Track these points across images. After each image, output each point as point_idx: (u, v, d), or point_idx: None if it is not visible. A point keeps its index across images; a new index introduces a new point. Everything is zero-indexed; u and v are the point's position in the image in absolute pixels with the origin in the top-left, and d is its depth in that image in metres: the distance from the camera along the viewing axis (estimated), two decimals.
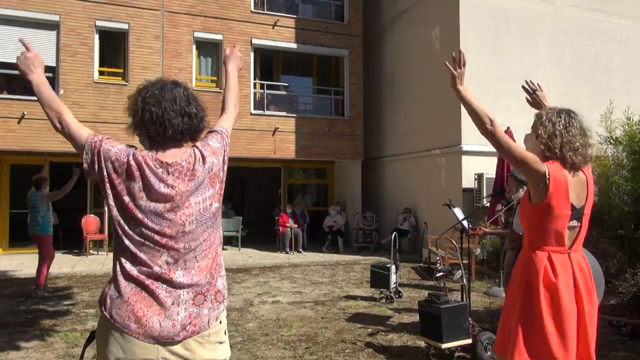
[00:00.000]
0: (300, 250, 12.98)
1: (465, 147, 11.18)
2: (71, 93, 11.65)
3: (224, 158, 1.99)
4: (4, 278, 8.89)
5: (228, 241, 13.65)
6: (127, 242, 1.80)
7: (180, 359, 1.79)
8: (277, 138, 13.42)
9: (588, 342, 2.23)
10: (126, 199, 1.80)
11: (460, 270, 6.84)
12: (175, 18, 12.58)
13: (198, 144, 1.96)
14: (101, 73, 12.22)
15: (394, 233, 7.59)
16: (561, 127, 2.33)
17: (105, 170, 1.81)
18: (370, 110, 15.09)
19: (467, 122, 10.55)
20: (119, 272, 1.80)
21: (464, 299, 5.12)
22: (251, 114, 13.22)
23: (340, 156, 14.37)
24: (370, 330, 5.71)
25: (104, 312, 1.78)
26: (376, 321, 6.13)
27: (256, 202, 18.66)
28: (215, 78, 13.30)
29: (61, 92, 11.54)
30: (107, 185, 1.81)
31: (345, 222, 14.03)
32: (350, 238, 13.86)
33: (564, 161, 2.30)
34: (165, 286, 1.79)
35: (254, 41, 13.33)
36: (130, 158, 1.81)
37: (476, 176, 10.97)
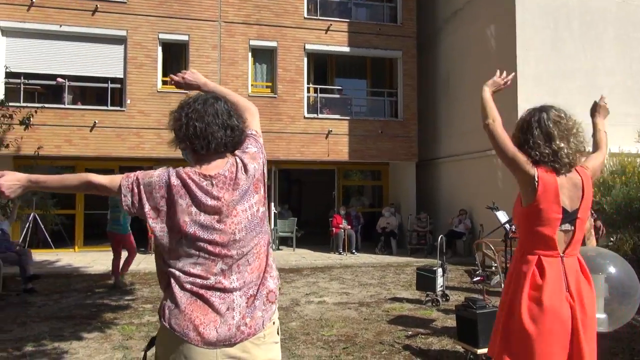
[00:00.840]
0: (354, 251, 13.08)
1: None
2: (137, 102, 12.45)
3: (263, 160, 2.03)
4: (77, 274, 9.68)
5: (283, 241, 14.02)
6: (180, 261, 1.85)
7: None
8: (331, 140, 13.61)
9: (582, 351, 2.17)
10: (176, 218, 1.84)
11: (498, 276, 6.66)
12: (232, 28, 13.11)
13: (237, 152, 2.00)
14: (164, 82, 12.95)
15: (441, 236, 7.52)
16: (522, 140, 2.34)
17: (147, 205, 1.85)
18: (425, 111, 14.92)
19: None
20: (174, 285, 1.85)
21: None
22: (305, 118, 13.50)
23: (393, 158, 14.33)
24: (410, 332, 5.73)
25: (164, 323, 1.84)
26: (418, 324, 6.13)
27: (313, 203, 18.95)
28: (270, 84, 13.71)
29: (128, 101, 12.38)
30: (151, 217, 1.86)
31: (400, 223, 13.97)
32: (405, 240, 13.78)
33: (546, 167, 2.29)
34: (219, 293, 1.85)
35: (307, 46, 13.61)
36: (173, 178, 1.86)
37: None
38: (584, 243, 4.53)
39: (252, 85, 13.45)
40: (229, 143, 1.95)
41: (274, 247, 13.56)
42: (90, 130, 12.12)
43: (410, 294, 7.89)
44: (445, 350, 5.09)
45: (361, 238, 13.94)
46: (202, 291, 1.84)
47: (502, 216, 5.40)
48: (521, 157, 2.28)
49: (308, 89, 13.92)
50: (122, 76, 12.48)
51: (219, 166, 1.93)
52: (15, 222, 11.82)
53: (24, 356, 4.84)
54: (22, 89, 11.99)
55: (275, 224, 13.81)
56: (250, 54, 13.33)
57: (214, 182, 1.88)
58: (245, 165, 1.93)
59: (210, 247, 1.85)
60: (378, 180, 16.61)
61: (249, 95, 13.08)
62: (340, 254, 12.87)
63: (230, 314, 1.84)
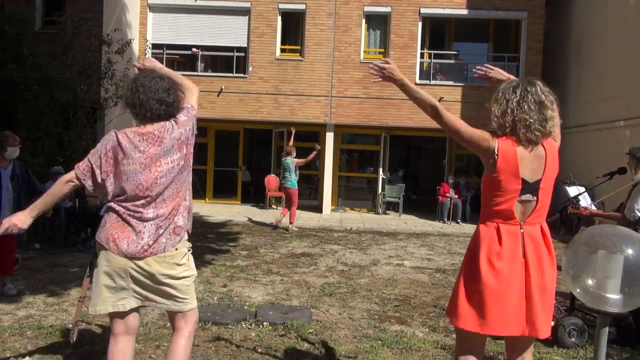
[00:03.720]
0: (459, 220, 12.93)
1: None
2: (258, 69, 13.53)
3: (190, 127, 2.59)
4: (200, 221, 11.17)
5: (390, 206, 14.34)
6: (118, 196, 2.51)
7: (142, 270, 2.47)
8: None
9: (534, 312, 2.28)
10: (118, 168, 2.50)
11: None
12: None
13: (171, 118, 2.57)
14: (282, 50, 13.83)
15: None
16: (514, 104, 2.33)
17: (99, 178, 2.52)
18: (551, 77, 13.75)
19: None
20: (109, 211, 2.53)
21: None
22: (416, 84, 13.35)
23: None
24: None
25: (96, 237, 2.54)
26: None
27: (429, 170, 18.81)
28: (382, 50, 13.80)
29: (250, 68, 13.51)
30: (108, 183, 2.52)
31: None
32: None
33: (518, 138, 2.33)
34: (136, 220, 2.47)
35: (423, 10, 13.35)
36: (120, 136, 2.50)
37: None
38: None
39: (364, 51, 13.69)
40: (162, 114, 2.53)
41: (380, 212, 13.99)
42: (218, 95, 13.56)
43: None
44: None
45: (471, 209, 13.68)
46: (125, 216, 2.49)
47: (574, 191, 5.14)
48: (478, 135, 2.36)
49: (422, 54, 13.74)
50: (245, 45, 13.63)
51: (153, 126, 2.52)
52: None
53: None
54: (164, 58, 13.76)
55: (382, 189, 14.16)
56: (363, 20, 13.52)
57: (144, 138, 2.49)
58: (172, 129, 2.52)
59: (136, 188, 2.47)
60: None
61: (360, 62, 13.40)
62: (444, 222, 12.83)
63: (141, 236, 2.47)
